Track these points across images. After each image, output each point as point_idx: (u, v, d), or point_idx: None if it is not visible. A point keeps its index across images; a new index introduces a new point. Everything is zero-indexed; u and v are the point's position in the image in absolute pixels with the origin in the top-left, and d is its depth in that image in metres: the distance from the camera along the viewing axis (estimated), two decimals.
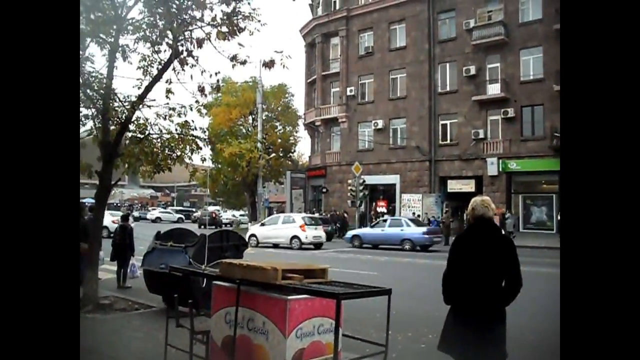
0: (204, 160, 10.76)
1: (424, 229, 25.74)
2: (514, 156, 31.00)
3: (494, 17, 31.91)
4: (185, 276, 6.68)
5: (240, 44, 8.63)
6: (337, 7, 39.91)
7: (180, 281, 6.92)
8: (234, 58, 8.66)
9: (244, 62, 8.70)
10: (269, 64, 8.61)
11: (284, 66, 8.65)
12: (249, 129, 44.03)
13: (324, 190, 39.25)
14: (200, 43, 8.44)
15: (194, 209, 71.77)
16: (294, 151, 52.75)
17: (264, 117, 41.26)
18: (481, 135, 31.95)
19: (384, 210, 35.72)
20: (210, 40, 8.53)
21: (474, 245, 4.07)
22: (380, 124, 36.00)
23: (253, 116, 43.83)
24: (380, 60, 36.85)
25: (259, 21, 8.66)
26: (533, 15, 31.07)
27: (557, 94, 29.05)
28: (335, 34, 39.67)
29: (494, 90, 31.83)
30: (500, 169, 31.27)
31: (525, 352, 6.43)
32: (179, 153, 9.85)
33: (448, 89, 33.96)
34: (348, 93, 37.88)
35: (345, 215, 34.76)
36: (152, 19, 8.55)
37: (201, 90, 9.02)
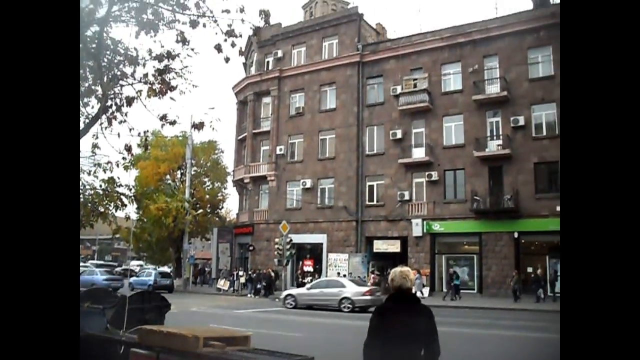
0: (128, 218, 10.51)
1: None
2: (438, 218, 31.98)
3: (419, 85, 33.55)
4: (101, 343, 6.37)
5: (172, 99, 8.65)
6: (270, 68, 40.74)
7: (96, 348, 6.58)
8: (163, 117, 8.64)
9: (173, 123, 8.69)
10: (199, 126, 8.63)
11: (213, 128, 8.72)
12: (177, 184, 43.41)
13: (251, 248, 38.86)
14: (130, 101, 8.39)
15: (116, 264, 68.99)
16: (222, 208, 52.31)
17: (192, 173, 40.90)
18: (406, 197, 32.86)
19: (311, 269, 35.69)
20: (140, 99, 8.48)
21: (394, 315, 4.16)
22: (309, 183, 36.41)
23: (182, 171, 43.34)
24: (310, 120, 37.64)
25: (190, 82, 8.74)
26: (454, 85, 32.93)
27: (477, 159, 30.66)
28: (267, 94, 40.34)
29: (419, 154, 33.06)
30: (425, 230, 32.11)
31: None
32: (102, 209, 9.61)
33: (375, 151, 34.96)
34: (278, 152, 38.27)
35: (272, 274, 34.42)
36: (81, 71, 8.47)
37: (128, 149, 8.90)
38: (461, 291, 29.28)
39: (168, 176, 44.18)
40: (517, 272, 28.51)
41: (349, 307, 23.48)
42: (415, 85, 33.73)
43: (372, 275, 30.82)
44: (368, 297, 23.72)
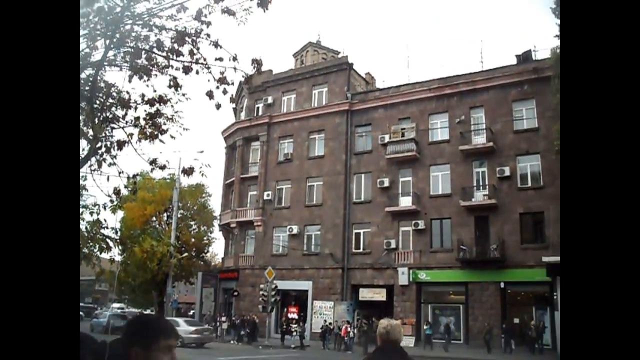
0: (112, 261, 10.40)
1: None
2: (424, 267, 31.91)
3: (407, 134, 34.05)
4: None
5: (162, 141, 8.68)
6: (260, 113, 41.21)
7: None
8: (153, 162, 8.67)
9: (163, 167, 8.71)
10: (188, 171, 8.66)
11: (202, 174, 8.76)
12: (163, 227, 43.05)
13: (236, 293, 38.39)
14: (120, 145, 8.42)
15: (96, 306, 67.56)
16: (208, 252, 51.76)
17: (179, 216, 40.66)
18: (393, 245, 32.85)
19: (296, 316, 35.25)
20: (131, 142, 8.51)
21: None
22: (295, 229, 36.33)
23: (168, 214, 43.07)
24: (298, 167, 37.86)
25: (181, 125, 8.82)
26: (441, 135, 33.45)
27: (463, 208, 30.86)
28: (256, 139, 40.65)
29: (405, 202, 33.23)
30: (411, 279, 31.98)
31: None
32: (86, 251, 9.50)
33: (362, 199, 35.12)
34: (265, 197, 38.29)
35: (256, 320, 33.90)
36: None
37: (117, 192, 8.89)
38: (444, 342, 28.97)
39: (154, 218, 43.85)
40: (489, 324, 28.62)
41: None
42: (403, 135, 34.22)
43: (345, 326, 30.23)
44: (196, 336, 26.96)
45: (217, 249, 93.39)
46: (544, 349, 26.71)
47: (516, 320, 29.64)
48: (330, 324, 31.77)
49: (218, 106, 7.96)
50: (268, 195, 38.20)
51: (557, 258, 27.08)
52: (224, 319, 36.34)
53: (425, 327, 29.85)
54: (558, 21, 24.20)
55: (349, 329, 30.04)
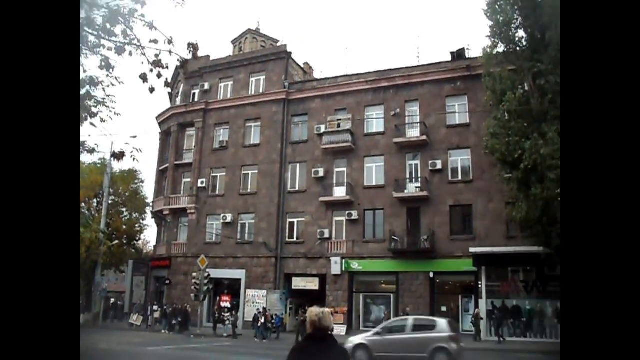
0: None
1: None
2: (357, 256, 32.36)
3: (342, 125, 34.30)
4: None
5: (92, 124, 8.41)
6: (196, 99, 40.51)
7: None
8: (81, 145, 8.40)
9: (92, 151, 8.47)
10: (119, 156, 8.42)
11: (134, 159, 8.55)
12: (93, 213, 41.81)
13: (168, 282, 37.76)
14: None
15: None
16: (139, 239, 50.74)
17: (110, 202, 39.56)
18: (326, 235, 33.13)
19: (228, 305, 35.02)
20: None
21: (309, 354, 4.18)
22: (229, 218, 36.05)
23: (98, 200, 41.87)
24: (233, 155, 37.51)
25: (113, 109, 8.57)
26: (376, 127, 33.90)
27: (396, 200, 31.46)
28: (192, 125, 39.95)
29: (340, 192, 33.54)
30: (343, 269, 32.38)
31: None
32: None
33: (297, 188, 35.21)
34: (199, 185, 37.77)
35: (188, 309, 33.49)
36: None
37: None
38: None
39: (83, 204, 42.49)
40: (387, 312, 30.06)
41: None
42: (339, 125, 34.45)
43: (267, 314, 30.32)
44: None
45: (149, 236, 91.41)
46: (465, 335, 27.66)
47: (444, 309, 30.63)
48: (260, 312, 31.68)
49: (152, 90, 7.76)
50: (202, 182, 37.69)
51: (483, 249, 28.23)
52: (155, 307, 35.70)
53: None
54: (490, 22, 24.96)
55: (270, 317, 30.22)
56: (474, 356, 21.59)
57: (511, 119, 25.29)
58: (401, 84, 33.68)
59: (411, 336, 17.88)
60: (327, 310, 4.37)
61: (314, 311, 4.33)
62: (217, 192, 37.72)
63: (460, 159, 31.62)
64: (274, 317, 30.98)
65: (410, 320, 19.38)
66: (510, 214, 25.86)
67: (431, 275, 30.56)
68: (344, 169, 34.02)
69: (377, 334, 18.95)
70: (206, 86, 39.90)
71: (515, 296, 28.73)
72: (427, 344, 16.97)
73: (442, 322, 18.33)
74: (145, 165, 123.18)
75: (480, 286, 28.63)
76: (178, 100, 42.05)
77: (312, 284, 33.46)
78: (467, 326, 28.90)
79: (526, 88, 25.54)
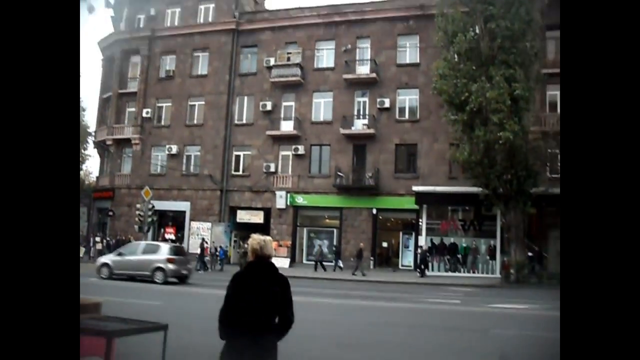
0: None
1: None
2: (302, 191, 32.62)
3: (292, 58, 33.79)
4: None
5: None
6: (142, 25, 38.90)
7: None
8: None
9: None
10: None
11: None
12: None
13: (111, 213, 37.23)
14: None
15: None
16: (81, 170, 49.47)
17: None
18: (272, 169, 33.13)
19: (173, 237, 34.97)
20: None
21: (251, 283, 4.15)
22: (175, 149, 35.46)
23: None
24: (180, 85, 36.53)
25: None
26: (327, 62, 33.52)
27: (343, 136, 31.58)
28: (137, 52, 38.48)
29: (287, 127, 33.40)
30: (288, 203, 32.64)
31: None
32: None
33: (244, 121, 34.78)
34: (144, 114, 36.76)
35: (132, 240, 33.21)
36: None
37: None
38: (326, 263, 30.12)
39: None
40: (320, 245, 31.13)
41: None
42: (288, 59, 33.93)
43: (206, 247, 30.57)
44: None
45: (91, 167, 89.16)
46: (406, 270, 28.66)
47: (385, 244, 31.55)
48: (206, 242, 31.81)
49: (91, 9, 7.32)
50: (147, 112, 36.69)
51: (426, 188, 28.87)
52: (98, 239, 35.28)
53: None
54: None
55: (209, 249, 30.47)
56: (407, 288, 22.46)
57: (460, 61, 25.50)
58: (353, 19, 33.18)
59: (140, 258, 21.93)
60: (268, 238, 4.35)
61: (255, 239, 4.29)
62: (162, 123, 36.89)
63: (408, 98, 31.79)
64: (218, 249, 31.16)
65: (142, 244, 23.62)
66: (453, 154, 26.42)
67: (374, 211, 31.20)
68: (292, 104, 33.74)
69: (118, 254, 23.00)
70: (152, 12, 38.27)
71: (453, 234, 29.75)
72: (150, 264, 21.37)
73: (164, 247, 22.82)
74: (86, 92, 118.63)
75: (420, 224, 29.47)
76: (122, 26, 40.25)
77: (257, 217, 33.67)
78: (406, 261, 29.91)
79: (477, 31, 25.67)
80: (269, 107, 33.53)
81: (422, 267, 27.46)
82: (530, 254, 26.80)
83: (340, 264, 29.74)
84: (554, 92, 29.11)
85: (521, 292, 21.68)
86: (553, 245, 27.56)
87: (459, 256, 29.08)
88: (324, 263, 29.87)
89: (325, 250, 31.98)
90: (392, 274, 28.54)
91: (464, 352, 9.41)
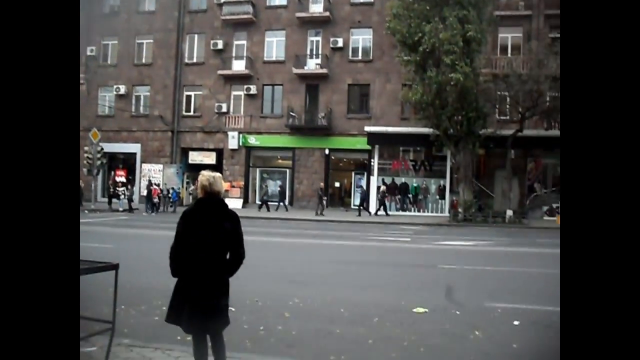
0: None
1: None
2: (254, 132, 32.39)
3: None
4: None
5: None
6: None
7: None
8: None
9: None
10: None
11: None
12: None
13: None
14: None
15: None
16: None
17: None
18: (224, 109, 32.66)
19: (124, 180, 34.39)
20: None
21: (201, 219, 4.17)
22: (123, 89, 34.39)
23: None
24: (126, 22, 35.04)
25: None
26: (279, 0, 32.67)
27: (296, 76, 31.28)
28: None
29: (239, 66, 32.75)
30: (241, 143, 32.43)
31: (249, 315, 6.93)
32: None
33: (195, 60, 33.87)
34: (88, 53, 35.22)
35: (81, 184, 32.46)
36: None
37: None
38: (272, 203, 30.31)
39: None
40: (266, 186, 31.00)
41: None
42: None
43: (154, 188, 30.22)
44: None
45: None
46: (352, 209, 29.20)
47: (337, 184, 31.96)
48: (158, 185, 31.48)
49: None
50: (92, 51, 35.20)
51: (378, 128, 29.11)
52: None
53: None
54: None
55: (158, 191, 30.19)
56: (359, 227, 22.98)
57: (414, 1, 25.28)
58: None
59: None
60: (217, 174, 4.34)
61: (205, 175, 4.29)
62: (108, 62, 35.52)
63: (361, 38, 31.52)
64: (170, 191, 30.91)
65: None
66: (405, 95, 26.56)
67: (327, 152, 31.39)
68: (244, 42, 32.99)
69: None
70: None
71: (404, 174, 30.30)
72: None
73: None
74: None
75: (372, 164, 29.85)
76: None
77: (209, 158, 33.38)
78: (357, 201, 30.42)
79: None
80: (220, 46, 32.69)
81: (381, 207, 28.06)
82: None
83: (286, 204, 29.95)
84: (505, 35, 29.47)
85: (468, 230, 22.52)
86: (499, 185, 28.49)
87: (410, 196, 29.76)
88: (270, 203, 29.96)
89: (276, 190, 32.16)
90: (344, 213, 29.05)
91: (413, 286, 9.80)
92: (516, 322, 7.15)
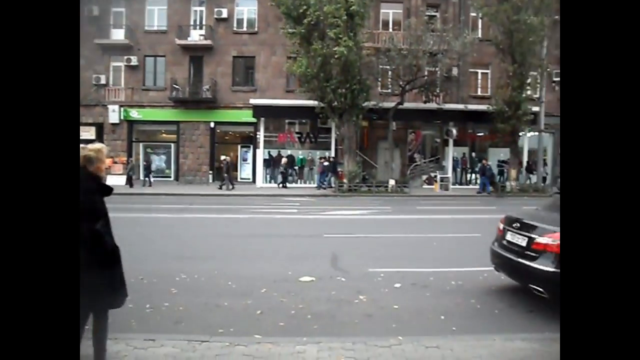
0: None
1: None
2: (136, 105, 31.12)
3: None
4: None
5: None
6: None
7: None
8: None
9: None
10: None
11: None
12: None
13: None
14: None
15: None
16: None
17: None
18: (103, 81, 31.03)
19: None
20: None
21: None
22: None
23: None
24: None
25: None
26: None
27: (179, 47, 30.35)
28: None
29: (118, 35, 31.16)
30: (122, 117, 31.06)
31: (135, 295, 6.74)
32: None
33: None
34: None
35: None
36: None
37: None
38: (156, 179, 29.49)
39: None
40: (132, 160, 29.78)
41: None
42: None
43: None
44: None
45: None
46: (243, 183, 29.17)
47: (223, 157, 31.53)
48: None
49: None
50: None
51: (263, 101, 29.05)
52: None
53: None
54: None
55: None
56: (247, 200, 23.01)
57: None
58: None
59: None
60: (93, 146, 4.26)
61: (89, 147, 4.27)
62: None
63: (246, 9, 31.08)
64: None
65: None
66: (290, 68, 26.64)
67: (212, 125, 30.90)
68: (123, 10, 31.34)
69: None
70: None
71: (290, 146, 30.58)
72: None
73: None
74: None
75: (258, 137, 29.80)
76: None
77: (89, 133, 31.51)
78: (244, 174, 30.36)
79: None
80: (95, 12, 30.77)
81: (283, 180, 28.18)
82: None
83: (151, 179, 28.88)
84: (386, 11, 30.40)
85: (353, 200, 23.25)
86: (382, 156, 29.59)
87: (296, 168, 30.12)
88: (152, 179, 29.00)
89: (162, 165, 31.29)
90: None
91: (300, 256, 10.04)
92: (397, 285, 7.60)
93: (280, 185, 28.22)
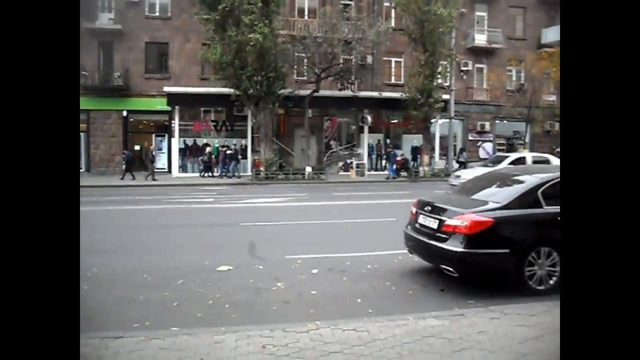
0: None
1: None
2: None
3: None
4: None
5: None
6: None
7: None
8: None
9: None
10: None
11: None
12: None
13: None
14: None
15: None
16: None
17: None
18: None
19: None
20: None
21: None
22: None
23: None
24: None
25: None
26: None
27: (86, 31, 29.01)
28: None
29: None
30: None
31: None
32: None
33: None
34: None
35: None
36: None
37: None
38: None
39: None
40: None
41: None
42: None
43: None
44: None
45: None
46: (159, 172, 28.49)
47: (137, 147, 30.62)
48: None
49: None
50: None
51: (178, 88, 28.40)
52: None
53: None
54: None
55: None
56: (165, 190, 22.52)
57: None
58: None
59: None
60: None
61: None
62: None
63: None
64: None
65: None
66: (205, 55, 26.19)
67: (124, 113, 29.89)
68: None
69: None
70: None
71: (206, 135, 30.13)
72: None
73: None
74: None
75: (173, 125, 29.14)
76: None
77: None
78: (160, 164, 29.61)
79: None
80: None
81: (206, 169, 27.85)
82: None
83: None
84: None
85: (270, 188, 23.27)
86: (298, 144, 29.74)
87: (213, 156, 29.70)
88: None
89: None
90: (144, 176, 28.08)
91: (217, 245, 9.98)
92: (315, 271, 7.72)
93: (204, 174, 27.78)
